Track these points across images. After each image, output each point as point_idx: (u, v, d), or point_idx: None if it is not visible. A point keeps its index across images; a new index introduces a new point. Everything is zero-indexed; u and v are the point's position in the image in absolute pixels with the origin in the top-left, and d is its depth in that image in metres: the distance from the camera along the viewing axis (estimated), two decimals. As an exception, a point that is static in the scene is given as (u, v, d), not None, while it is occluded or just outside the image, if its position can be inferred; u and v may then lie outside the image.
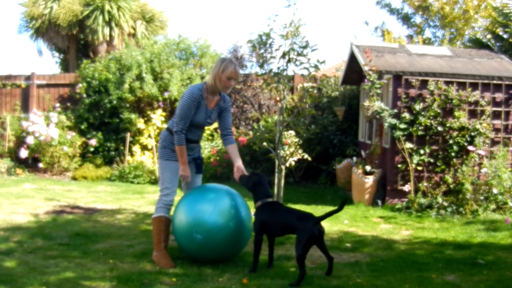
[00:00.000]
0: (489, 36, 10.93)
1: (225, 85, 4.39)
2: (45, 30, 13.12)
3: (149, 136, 10.45)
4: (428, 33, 13.99)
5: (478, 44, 10.14)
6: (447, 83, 7.46)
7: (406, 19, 14.16)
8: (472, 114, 7.48)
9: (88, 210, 6.88)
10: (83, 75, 10.90)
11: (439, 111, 7.38)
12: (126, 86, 10.37)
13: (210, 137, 10.75)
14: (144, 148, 10.64)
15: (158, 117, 10.32)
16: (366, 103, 7.59)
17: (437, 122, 7.38)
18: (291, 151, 7.83)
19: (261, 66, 6.22)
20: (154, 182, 9.41)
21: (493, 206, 6.86)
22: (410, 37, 13.86)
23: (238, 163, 4.47)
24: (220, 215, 4.25)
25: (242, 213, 4.36)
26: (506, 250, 5.14)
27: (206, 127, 5.05)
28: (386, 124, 7.44)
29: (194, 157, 4.64)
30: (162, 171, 4.56)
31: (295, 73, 6.75)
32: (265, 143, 6.33)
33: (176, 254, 4.61)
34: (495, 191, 6.84)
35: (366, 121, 8.65)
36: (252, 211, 4.41)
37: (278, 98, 6.24)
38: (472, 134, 7.34)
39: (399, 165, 7.42)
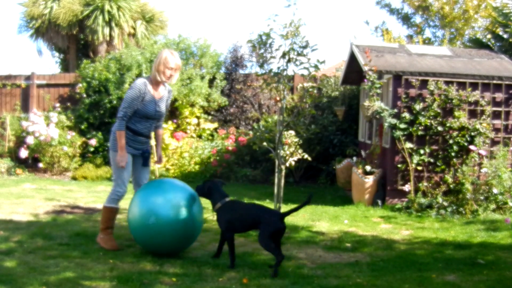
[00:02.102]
0: (489, 36, 10.94)
1: (167, 76, 4.72)
2: (45, 30, 13.11)
3: (149, 136, 10.45)
4: (428, 33, 14.01)
5: (478, 44, 10.14)
6: (447, 83, 7.46)
7: (406, 19, 14.17)
8: (472, 114, 7.48)
9: (88, 210, 6.87)
10: (83, 75, 10.90)
11: (439, 111, 7.38)
12: (126, 86, 10.36)
13: (210, 137, 10.75)
14: (144, 148, 10.63)
15: (158, 117, 10.31)
16: (366, 103, 7.59)
17: (437, 122, 7.37)
18: (291, 151, 7.82)
19: (261, 66, 6.21)
20: (154, 182, 9.39)
21: (493, 206, 6.86)
22: (410, 37, 13.86)
23: (159, 151, 5.18)
24: (172, 205, 4.46)
25: (194, 205, 4.56)
26: (506, 250, 5.14)
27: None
28: (386, 124, 7.43)
29: (142, 151, 4.90)
30: (113, 163, 4.79)
31: (295, 73, 6.73)
32: (265, 143, 6.32)
33: (176, 254, 4.61)
34: (495, 191, 6.84)
35: (366, 121, 8.65)
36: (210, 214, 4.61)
37: (278, 98, 6.22)
38: (472, 134, 7.34)
39: (399, 165, 7.42)
